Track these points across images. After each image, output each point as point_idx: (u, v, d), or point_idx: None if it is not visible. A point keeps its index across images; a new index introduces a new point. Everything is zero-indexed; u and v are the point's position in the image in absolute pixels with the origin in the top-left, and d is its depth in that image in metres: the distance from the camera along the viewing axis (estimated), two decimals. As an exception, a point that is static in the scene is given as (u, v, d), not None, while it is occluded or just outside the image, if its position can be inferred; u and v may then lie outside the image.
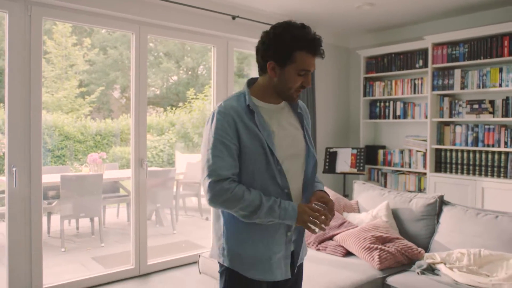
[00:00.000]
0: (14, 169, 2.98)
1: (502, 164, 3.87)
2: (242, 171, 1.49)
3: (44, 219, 5.31)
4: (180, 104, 12.05)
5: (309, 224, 1.45)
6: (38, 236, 3.13)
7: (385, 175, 4.92)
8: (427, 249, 3.05)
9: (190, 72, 14.36)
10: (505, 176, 3.84)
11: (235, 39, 4.32)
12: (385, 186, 4.88)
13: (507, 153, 3.85)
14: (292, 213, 1.45)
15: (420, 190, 4.54)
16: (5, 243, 3.03)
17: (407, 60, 4.57)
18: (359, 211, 3.64)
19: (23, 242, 3.06)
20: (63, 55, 10.84)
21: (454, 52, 4.09)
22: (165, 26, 3.81)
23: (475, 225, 2.90)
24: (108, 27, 3.55)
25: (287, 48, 1.42)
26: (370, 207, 3.50)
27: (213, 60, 4.23)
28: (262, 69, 1.53)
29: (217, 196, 1.43)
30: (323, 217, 1.44)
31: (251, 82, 1.59)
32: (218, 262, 1.59)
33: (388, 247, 2.90)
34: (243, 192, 1.43)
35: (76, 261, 4.21)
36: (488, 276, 2.60)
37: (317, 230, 1.45)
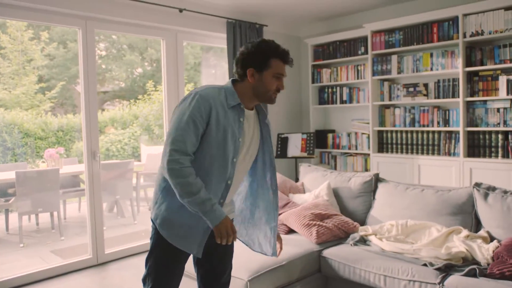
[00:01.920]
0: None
1: (436, 143, 4.18)
2: (198, 150, 1.70)
3: (2, 216, 5.33)
4: (140, 96, 12.00)
5: (221, 235, 1.67)
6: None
7: (335, 157, 5.17)
8: (363, 224, 3.30)
9: (154, 64, 14.27)
10: (438, 153, 4.15)
11: (184, 31, 4.43)
12: (335, 168, 5.14)
13: (439, 132, 4.16)
14: (217, 217, 1.65)
15: (366, 170, 4.81)
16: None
17: (350, 48, 4.81)
18: (304, 192, 3.86)
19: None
20: (20, 50, 10.59)
21: (390, 39, 4.35)
22: (112, 20, 3.88)
23: (404, 198, 3.16)
24: (54, 23, 3.59)
25: (264, 56, 1.73)
26: (313, 187, 3.73)
27: (163, 53, 4.34)
28: (241, 78, 1.78)
29: (171, 162, 1.61)
30: (231, 238, 1.69)
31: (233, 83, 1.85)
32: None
33: (326, 223, 3.13)
34: (191, 174, 1.63)
35: (35, 255, 4.27)
36: (413, 243, 2.87)
37: (222, 242, 1.69)
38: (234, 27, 4.63)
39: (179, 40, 4.41)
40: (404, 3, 4.45)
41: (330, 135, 5.17)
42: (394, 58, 4.34)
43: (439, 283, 2.30)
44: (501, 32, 3.64)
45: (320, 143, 5.20)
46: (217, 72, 6.54)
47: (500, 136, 3.76)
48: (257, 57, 1.73)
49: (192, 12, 4.29)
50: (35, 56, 10.95)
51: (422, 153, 4.26)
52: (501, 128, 3.73)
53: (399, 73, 4.33)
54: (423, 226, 2.95)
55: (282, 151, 4.94)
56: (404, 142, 4.39)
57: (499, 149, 3.76)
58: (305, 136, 4.89)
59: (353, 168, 4.96)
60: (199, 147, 1.70)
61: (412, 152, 4.33)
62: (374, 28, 4.41)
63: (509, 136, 3.73)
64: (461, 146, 3.91)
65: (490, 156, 3.81)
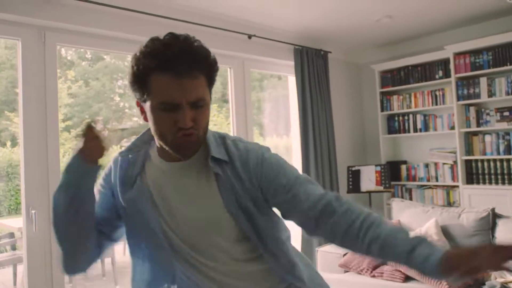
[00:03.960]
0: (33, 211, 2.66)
1: (539, 171, 3.76)
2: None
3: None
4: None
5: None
6: None
7: (409, 190, 4.75)
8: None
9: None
10: (544, 183, 3.73)
11: (251, 59, 4.15)
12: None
13: (543, 160, 3.76)
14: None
15: (449, 204, 4.38)
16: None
17: (426, 72, 4.49)
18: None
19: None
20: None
21: (477, 60, 4.02)
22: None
23: (539, 237, 2.73)
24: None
25: (138, 74, 1.00)
26: (415, 225, 3.30)
27: (230, 82, 4.04)
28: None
29: None
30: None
31: None
32: None
33: (451, 267, 2.70)
34: None
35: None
36: None
37: None
38: (301, 53, 4.35)
39: (246, 68, 4.13)
40: (488, 22, 4.15)
41: (403, 167, 4.77)
42: (483, 80, 4.00)
43: None
44: None
45: (393, 175, 4.79)
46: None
47: None
48: (132, 78, 1.03)
49: (261, 38, 4.02)
50: (61, 95, 10.88)
51: (524, 183, 3.83)
52: None
53: (490, 96, 3.97)
54: None
55: (355, 185, 4.53)
56: (499, 171, 3.97)
57: None
58: (379, 168, 4.49)
59: (432, 202, 4.52)
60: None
61: (510, 183, 3.91)
62: (458, 50, 4.10)
63: None
64: None
65: None
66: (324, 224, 1.06)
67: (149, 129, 1.14)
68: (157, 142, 1.08)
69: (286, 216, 1.14)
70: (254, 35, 3.95)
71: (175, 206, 1.08)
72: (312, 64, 4.44)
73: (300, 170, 1.09)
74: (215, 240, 1.08)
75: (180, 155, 1.06)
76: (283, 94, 5.12)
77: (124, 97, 13.45)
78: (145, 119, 1.07)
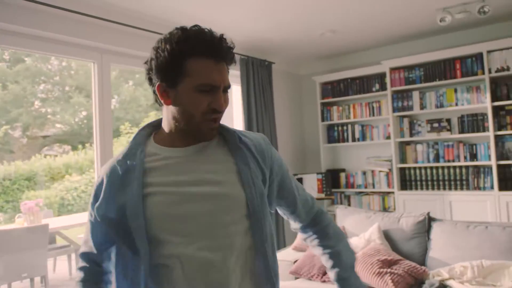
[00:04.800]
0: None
1: (464, 178, 4.14)
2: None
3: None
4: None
5: None
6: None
7: (348, 197, 4.98)
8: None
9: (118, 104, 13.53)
10: (468, 188, 4.11)
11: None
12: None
13: (467, 167, 4.13)
14: None
15: (384, 209, 4.66)
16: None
17: (363, 84, 4.76)
18: (346, 236, 3.58)
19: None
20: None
21: (411, 75, 4.35)
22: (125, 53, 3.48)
23: (469, 237, 2.99)
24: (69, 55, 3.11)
25: (173, 57, 1.03)
26: (359, 231, 3.47)
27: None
28: (157, 101, 1.13)
29: None
30: None
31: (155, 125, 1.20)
32: None
33: (395, 269, 2.87)
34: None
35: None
36: (494, 286, 2.68)
37: None
38: (247, 63, 4.40)
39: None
40: (421, 40, 4.52)
41: (342, 174, 4.99)
42: (416, 94, 4.33)
43: None
44: (526, 67, 3.75)
45: (333, 183, 4.99)
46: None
47: (532, 169, 3.80)
48: (162, 62, 1.04)
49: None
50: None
51: (450, 188, 4.19)
52: (534, 160, 3.77)
53: (421, 109, 4.31)
54: (501, 266, 2.77)
55: (297, 192, 4.65)
56: (429, 178, 4.31)
57: (533, 182, 3.79)
58: (320, 176, 4.66)
59: (369, 208, 4.77)
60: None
61: (439, 188, 4.25)
62: (393, 65, 4.41)
63: (542, 168, 3.78)
64: (495, 180, 3.89)
65: (523, 189, 3.83)
66: (308, 225, 1.34)
67: (142, 129, 1.16)
68: (182, 124, 1.07)
69: (276, 202, 1.25)
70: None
71: (192, 183, 1.06)
72: (257, 74, 4.51)
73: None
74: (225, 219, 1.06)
75: (205, 136, 1.08)
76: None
77: (47, 102, 12.61)
78: (166, 103, 1.08)
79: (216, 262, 1.02)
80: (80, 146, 11.43)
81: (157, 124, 1.18)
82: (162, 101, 1.09)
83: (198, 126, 1.06)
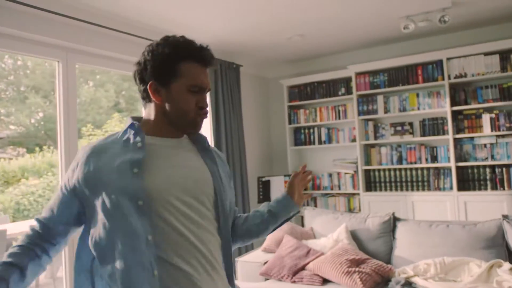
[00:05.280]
0: None
1: (425, 179, 4.31)
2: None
3: None
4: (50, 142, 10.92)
5: None
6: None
7: (314, 199, 5.06)
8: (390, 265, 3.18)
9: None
10: (429, 189, 4.28)
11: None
12: (316, 209, 5.00)
13: (428, 168, 4.31)
14: None
15: (350, 210, 4.77)
16: None
17: (330, 88, 4.86)
18: (315, 237, 3.65)
19: None
20: None
21: (375, 80, 4.49)
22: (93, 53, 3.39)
23: (432, 236, 3.12)
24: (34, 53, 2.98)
25: (168, 60, 1.19)
26: (327, 231, 3.54)
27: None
28: (145, 98, 1.26)
29: None
30: None
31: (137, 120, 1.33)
32: None
33: (363, 268, 2.95)
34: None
35: None
36: (455, 281, 2.81)
37: None
38: (215, 66, 4.40)
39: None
40: (385, 46, 4.67)
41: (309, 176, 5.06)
42: (380, 98, 4.47)
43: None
44: (482, 74, 3.96)
45: (300, 184, 5.05)
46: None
47: (488, 170, 4.01)
48: (157, 63, 1.20)
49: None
50: None
51: (413, 189, 4.35)
52: (489, 162, 3.98)
53: (385, 112, 4.45)
54: (461, 262, 2.91)
55: (265, 195, 4.68)
56: (393, 179, 4.46)
57: (488, 182, 4.00)
58: (287, 178, 4.71)
59: (335, 209, 4.87)
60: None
61: (402, 189, 4.41)
62: (359, 70, 4.53)
63: (496, 169, 3.99)
64: (454, 181, 4.07)
65: (480, 189, 4.03)
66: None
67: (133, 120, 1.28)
68: (173, 120, 1.24)
69: None
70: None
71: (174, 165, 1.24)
72: (225, 77, 4.52)
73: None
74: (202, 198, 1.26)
75: (194, 129, 1.27)
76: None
77: (1, 102, 12.01)
78: (157, 100, 1.23)
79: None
80: (37, 149, 10.95)
81: (137, 119, 1.33)
82: (153, 98, 1.23)
83: (191, 120, 1.24)
